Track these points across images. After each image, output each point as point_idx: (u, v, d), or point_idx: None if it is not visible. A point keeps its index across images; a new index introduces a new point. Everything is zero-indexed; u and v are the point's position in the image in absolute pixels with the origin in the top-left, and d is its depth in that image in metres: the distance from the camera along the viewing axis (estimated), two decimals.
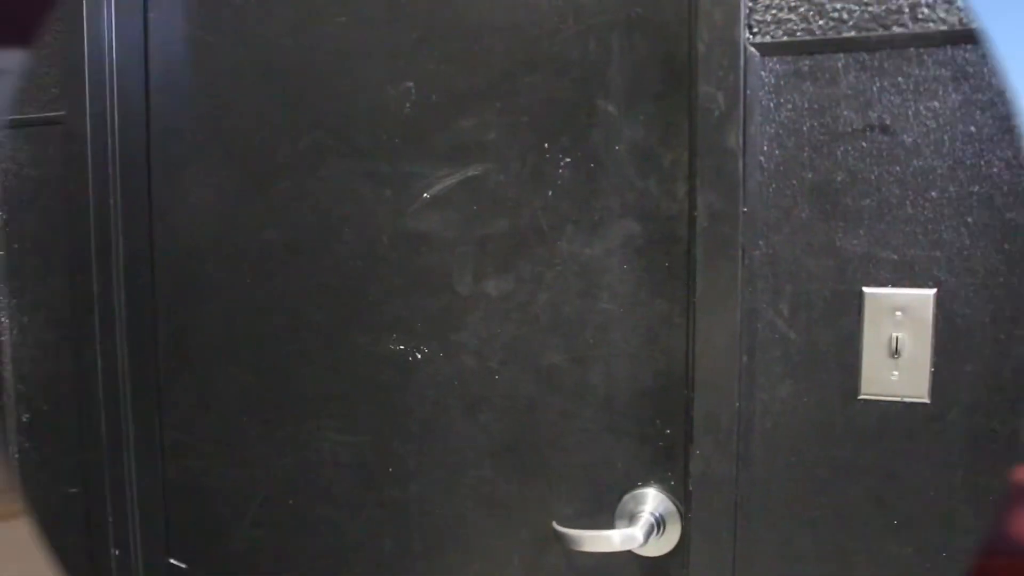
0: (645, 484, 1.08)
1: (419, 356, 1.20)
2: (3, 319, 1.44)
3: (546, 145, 1.11)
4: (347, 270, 1.21)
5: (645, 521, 1.05)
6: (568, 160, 1.10)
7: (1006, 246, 0.87)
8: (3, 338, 1.44)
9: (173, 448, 1.36)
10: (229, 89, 1.28)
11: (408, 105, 1.17)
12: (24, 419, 1.48)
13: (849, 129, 0.90)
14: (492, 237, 1.15)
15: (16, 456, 1.48)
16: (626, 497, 1.08)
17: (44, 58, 1.35)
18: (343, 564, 1.25)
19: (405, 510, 1.20)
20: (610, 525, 1.09)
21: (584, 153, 1.09)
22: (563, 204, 1.11)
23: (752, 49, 0.93)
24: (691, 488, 0.99)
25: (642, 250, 1.06)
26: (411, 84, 1.17)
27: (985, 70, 0.86)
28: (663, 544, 1.06)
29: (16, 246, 1.42)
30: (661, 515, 1.06)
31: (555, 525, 1.07)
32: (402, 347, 1.20)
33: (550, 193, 1.11)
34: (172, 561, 1.37)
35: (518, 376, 1.15)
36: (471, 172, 1.15)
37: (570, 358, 1.12)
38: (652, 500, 1.07)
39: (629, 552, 1.06)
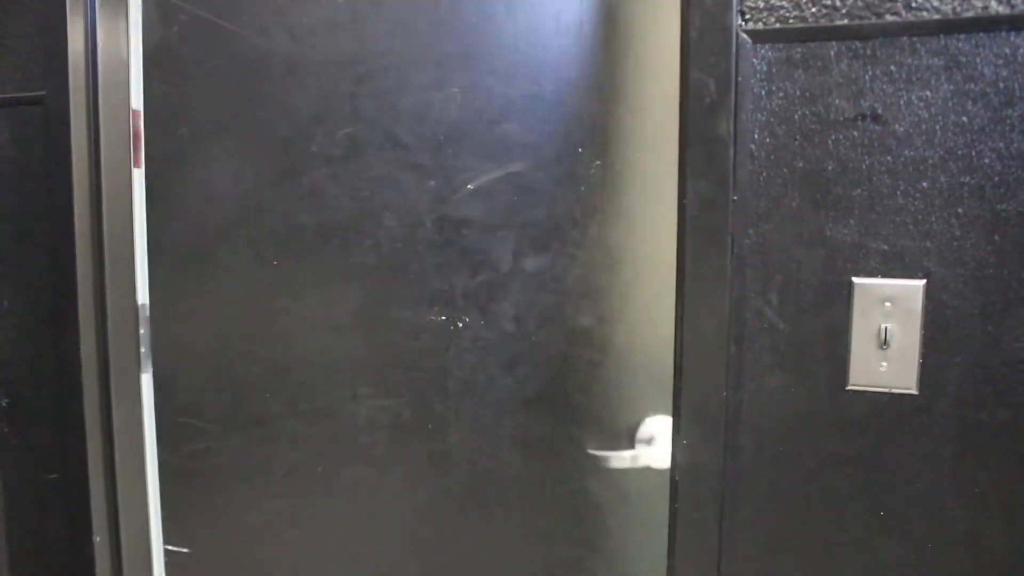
0: (657, 413, 1.11)
1: (460, 325, 1.22)
2: None
3: (580, 150, 1.12)
4: (386, 251, 1.23)
5: (659, 440, 1.11)
6: (599, 163, 1.11)
7: (996, 237, 0.87)
8: None
9: (172, 432, 1.36)
10: (252, 78, 1.27)
11: (454, 108, 1.19)
12: (3, 404, 1.48)
13: (841, 118, 0.90)
14: (530, 223, 1.16)
15: None
16: (643, 425, 1.12)
17: (22, 35, 1.34)
18: (375, 519, 1.27)
19: (445, 460, 1.23)
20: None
21: (611, 157, 1.10)
22: (593, 197, 1.12)
23: (744, 36, 0.93)
24: (676, 478, 1.00)
25: (662, 233, 1.08)
26: (457, 90, 1.19)
27: (978, 60, 0.86)
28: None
29: None
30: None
31: (589, 450, 1.15)
32: (443, 318, 1.23)
33: (583, 188, 1.13)
34: (169, 547, 1.38)
35: (552, 336, 1.19)
36: (513, 168, 1.16)
37: (597, 319, 1.14)
38: (664, 424, 1.11)
39: (648, 467, 1.13)
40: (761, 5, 0.93)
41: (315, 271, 1.27)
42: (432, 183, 1.20)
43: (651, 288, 1.12)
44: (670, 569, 1.02)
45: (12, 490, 1.41)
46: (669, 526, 1.04)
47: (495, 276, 1.20)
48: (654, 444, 1.15)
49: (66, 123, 1.32)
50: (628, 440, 1.16)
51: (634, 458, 1.14)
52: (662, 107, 1.07)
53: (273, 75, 1.27)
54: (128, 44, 1.36)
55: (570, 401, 1.18)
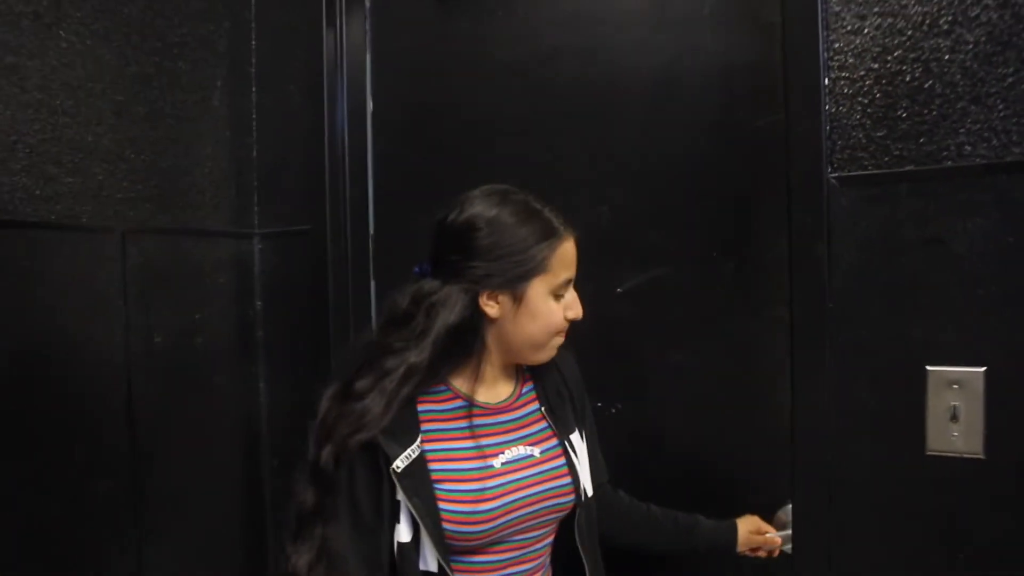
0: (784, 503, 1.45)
1: (613, 411, 1.61)
2: (261, 385, 1.97)
3: (714, 253, 1.50)
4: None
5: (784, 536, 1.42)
6: (731, 264, 1.49)
7: None
8: (261, 400, 1.97)
9: None
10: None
11: (604, 222, 1.60)
12: (274, 464, 1.99)
13: (911, 241, 1.23)
14: (672, 321, 1.54)
15: (269, 493, 1.99)
16: (779, 511, 1.46)
17: (295, 186, 1.87)
18: None
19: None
20: None
21: (743, 259, 1.48)
22: (727, 296, 1.49)
23: (833, 181, 1.27)
24: (793, 522, 1.32)
25: (784, 330, 1.42)
26: (605, 208, 1.60)
27: (1017, 193, 1.17)
28: None
29: (264, 332, 1.94)
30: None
31: None
32: (600, 404, 1.61)
33: (718, 288, 1.50)
34: None
35: (691, 424, 1.55)
36: (656, 272, 1.56)
37: (732, 410, 1.51)
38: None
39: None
40: (846, 156, 1.27)
41: None
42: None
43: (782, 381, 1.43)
44: None
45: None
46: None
47: (643, 367, 1.56)
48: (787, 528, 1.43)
49: (323, 249, 1.83)
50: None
51: (787, 539, 1.42)
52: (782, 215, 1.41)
53: None
54: (368, 184, 1.87)
55: (710, 487, 1.52)
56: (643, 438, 1.60)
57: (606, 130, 1.62)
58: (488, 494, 1.28)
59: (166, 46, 1.72)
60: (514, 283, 1.27)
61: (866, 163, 1.26)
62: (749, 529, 1.47)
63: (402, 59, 1.84)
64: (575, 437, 1.39)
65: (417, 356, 1.28)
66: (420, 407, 1.32)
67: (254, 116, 1.90)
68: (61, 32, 1.54)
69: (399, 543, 1.27)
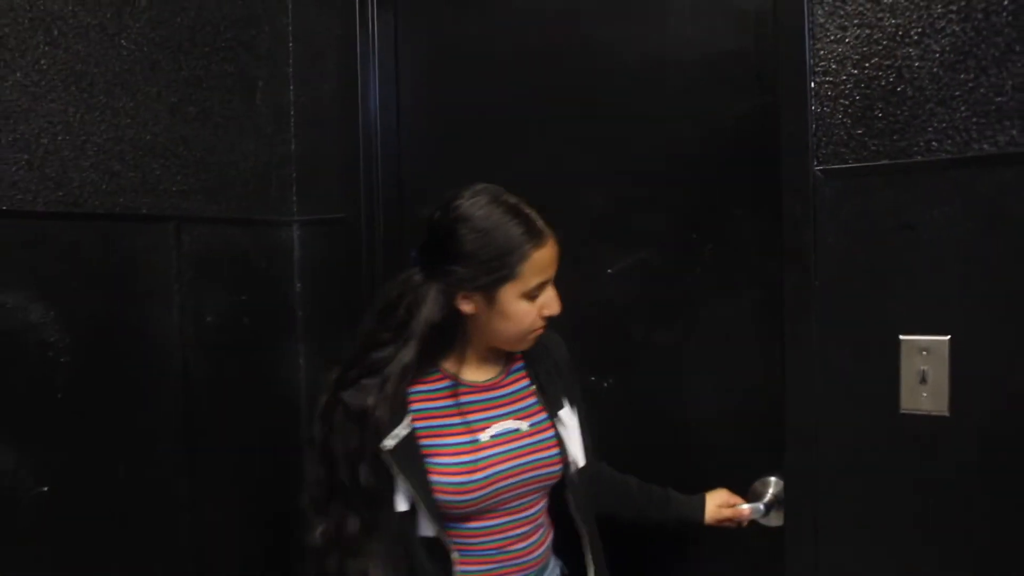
0: (768, 474, 1.62)
1: (605, 385, 1.79)
2: (301, 361, 2.15)
3: (694, 236, 1.68)
4: (552, 328, 1.81)
5: (767, 499, 1.59)
6: (710, 246, 1.67)
7: (1000, 307, 1.34)
8: (301, 374, 2.15)
9: None
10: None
11: (597, 208, 1.78)
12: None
13: (886, 227, 1.40)
14: (657, 302, 1.73)
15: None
16: (755, 483, 1.63)
17: (329, 176, 2.05)
18: None
19: None
20: None
21: (722, 241, 1.66)
22: (707, 277, 1.67)
23: (818, 173, 1.45)
24: (788, 475, 1.51)
25: (763, 309, 1.61)
26: (598, 193, 1.78)
27: (977, 184, 1.34)
28: (781, 518, 1.59)
29: (303, 312, 2.12)
30: (779, 497, 1.59)
31: None
32: (593, 378, 1.80)
33: (698, 270, 1.68)
34: None
35: (676, 400, 1.72)
36: (642, 255, 1.74)
37: (714, 385, 1.68)
38: (773, 485, 1.61)
39: (756, 522, 1.61)
40: (830, 151, 1.44)
41: None
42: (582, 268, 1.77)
43: (757, 357, 1.63)
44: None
45: None
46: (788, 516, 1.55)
47: (631, 345, 1.74)
48: (762, 500, 1.59)
49: (358, 235, 2.01)
50: (741, 494, 1.62)
51: (755, 511, 1.59)
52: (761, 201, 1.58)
53: None
54: (399, 174, 2.04)
55: (690, 455, 1.69)
56: (633, 411, 1.79)
57: (598, 120, 1.80)
58: (475, 466, 1.40)
59: (214, 50, 1.90)
60: (487, 288, 1.39)
61: (847, 157, 1.43)
62: (717, 503, 1.61)
63: (426, 57, 2.02)
64: (565, 412, 1.51)
65: (408, 355, 1.41)
66: (411, 388, 1.45)
67: (292, 113, 2.08)
68: (123, 41, 1.72)
69: (398, 512, 1.41)
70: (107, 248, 1.69)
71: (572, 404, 1.54)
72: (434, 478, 1.40)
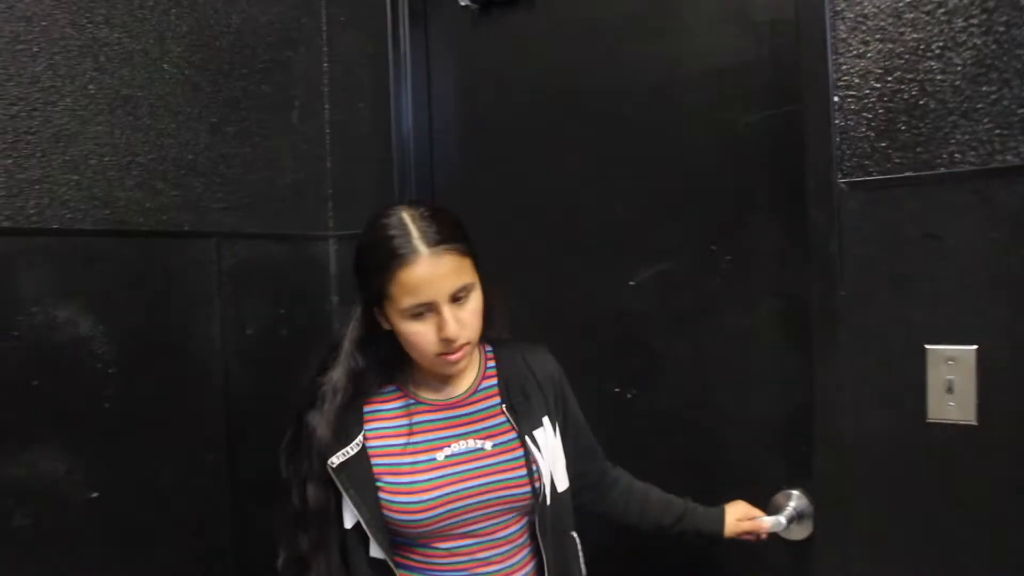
0: (789, 486, 1.64)
1: (628, 396, 1.82)
2: None
3: (713, 247, 1.71)
4: (569, 338, 1.85)
5: (788, 513, 1.61)
6: (729, 258, 1.70)
7: None
8: None
9: None
10: (493, 214, 1.98)
11: (618, 219, 1.82)
12: None
13: (911, 237, 1.42)
14: (677, 312, 1.76)
15: None
16: (776, 495, 1.64)
17: (364, 191, 2.11)
18: None
19: None
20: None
21: (740, 252, 1.69)
22: (726, 287, 1.70)
23: (843, 185, 1.48)
24: (817, 484, 1.54)
25: (782, 319, 1.64)
26: (620, 206, 1.82)
27: (1000, 195, 1.36)
28: (802, 531, 1.61)
29: (339, 324, 2.17)
30: (800, 510, 1.61)
31: None
32: (617, 389, 1.83)
33: (718, 280, 1.71)
34: None
35: (699, 410, 1.74)
36: (661, 267, 1.78)
37: (735, 396, 1.70)
38: (794, 498, 1.62)
39: (776, 535, 1.62)
40: (854, 164, 1.47)
41: None
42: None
43: (780, 366, 1.65)
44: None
45: None
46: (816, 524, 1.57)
47: (653, 356, 1.77)
48: (783, 513, 1.59)
49: None
50: (761, 507, 1.62)
51: (776, 524, 1.57)
52: (779, 211, 1.62)
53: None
54: (431, 190, 2.10)
55: (712, 467, 1.71)
56: (655, 421, 1.81)
57: (621, 134, 1.84)
58: (425, 485, 1.37)
59: (251, 72, 1.96)
60: (376, 305, 1.41)
61: (871, 170, 1.46)
62: (736, 516, 1.58)
63: (456, 76, 2.08)
64: (541, 432, 1.45)
65: (336, 374, 1.42)
66: (367, 407, 1.45)
67: (328, 131, 2.14)
68: (165, 65, 1.79)
69: (344, 530, 1.41)
70: (151, 263, 1.76)
71: (555, 423, 1.50)
72: (383, 496, 1.38)
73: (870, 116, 1.46)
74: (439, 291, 1.35)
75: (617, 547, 1.73)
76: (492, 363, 1.54)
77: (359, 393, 1.45)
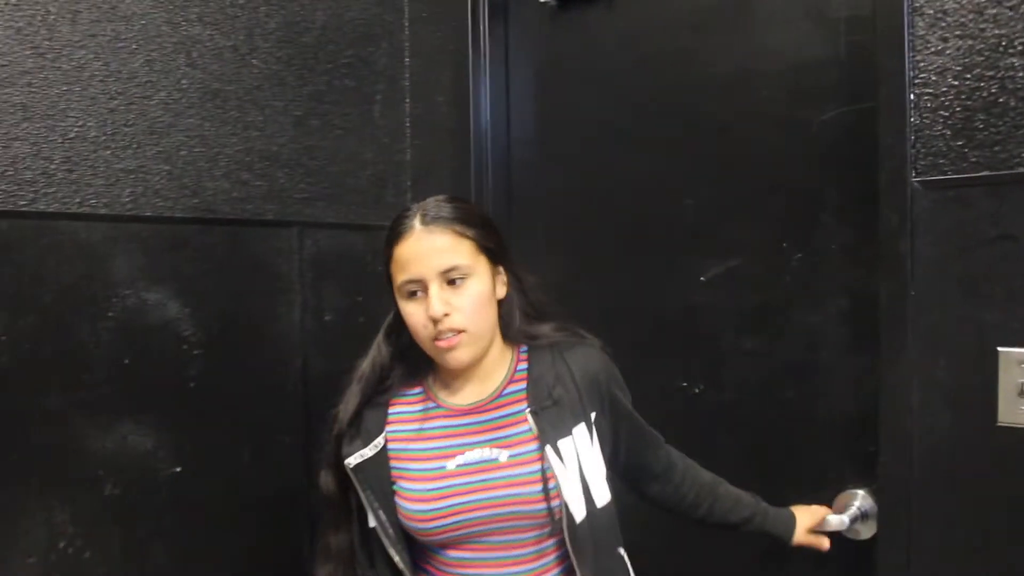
0: (855, 486, 1.63)
1: (696, 391, 1.84)
2: None
3: (784, 244, 1.71)
4: (638, 332, 1.87)
5: (853, 512, 1.60)
6: (799, 255, 1.69)
7: None
8: None
9: None
10: (567, 208, 2.01)
11: (689, 215, 1.83)
12: None
13: (984, 237, 1.40)
14: (746, 309, 1.76)
15: None
16: (840, 494, 1.64)
17: (441, 184, 2.16)
18: None
19: None
20: None
21: (810, 250, 1.68)
22: (796, 285, 1.70)
23: (916, 184, 1.46)
24: (881, 485, 1.52)
25: (850, 318, 1.63)
26: (691, 202, 1.83)
27: None
28: (866, 530, 1.60)
29: None
30: (865, 510, 1.60)
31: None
32: (685, 383, 1.85)
33: (787, 278, 1.71)
34: None
35: (765, 407, 1.75)
36: (732, 263, 1.78)
37: (801, 393, 1.70)
38: (859, 498, 1.62)
39: (841, 534, 1.62)
40: (928, 163, 1.45)
41: None
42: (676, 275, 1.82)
43: (846, 366, 1.64)
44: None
45: None
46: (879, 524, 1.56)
47: (721, 352, 1.78)
48: (846, 512, 1.58)
49: None
50: (827, 505, 1.62)
51: (840, 523, 1.57)
52: (850, 209, 1.59)
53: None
54: (509, 184, 2.14)
55: (778, 464, 1.71)
56: (721, 417, 1.81)
57: (693, 130, 1.84)
58: (435, 494, 1.34)
59: (335, 67, 2.03)
60: (390, 288, 1.43)
61: (946, 169, 1.44)
62: (807, 526, 1.57)
63: (534, 70, 2.11)
64: (567, 443, 1.36)
65: (365, 361, 1.45)
66: (392, 408, 1.44)
67: (408, 124, 2.20)
68: (254, 60, 1.87)
69: (369, 528, 1.40)
70: (236, 251, 1.84)
71: (591, 430, 1.40)
72: (399, 502, 1.37)
73: (947, 114, 1.44)
74: (427, 267, 1.34)
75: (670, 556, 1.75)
76: (524, 365, 1.46)
77: (382, 383, 1.46)
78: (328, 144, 2.02)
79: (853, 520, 1.60)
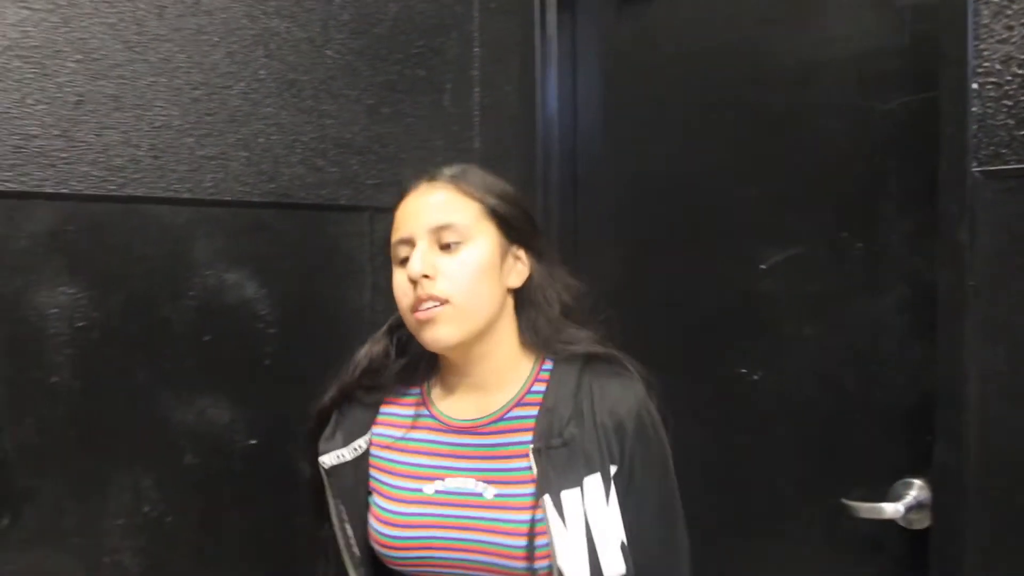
0: (911, 475, 1.63)
1: (755, 377, 1.86)
2: None
3: (844, 234, 1.72)
4: (699, 319, 1.90)
5: (908, 501, 1.60)
6: (860, 244, 1.70)
7: None
8: None
9: None
10: (631, 197, 2.05)
11: (750, 204, 1.85)
12: None
13: None
14: (806, 296, 1.78)
15: None
16: (896, 482, 1.64)
17: (508, 172, 2.21)
18: None
19: (744, 486, 1.85)
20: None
21: (870, 239, 1.69)
22: (856, 274, 1.71)
23: (977, 175, 1.46)
24: (936, 475, 1.53)
25: (910, 307, 1.63)
26: (753, 191, 1.85)
27: None
28: (921, 520, 1.60)
29: None
30: (921, 500, 1.60)
31: (843, 500, 1.65)
32: (744, 370, 1.87)
33: (847, 267, 1.72)
34: None
35: (823, 394, 1.76)
36: (792, 252, 1.80)
37: (859, 382, 1.71)
38: (915, 487, 1.62)
39: (896, 523, 1.62)
40: (990, 153, 1.45)
41: None
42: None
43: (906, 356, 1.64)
44: None
45: None
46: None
47: (781, 339, 1.79)
48: (902, 501, 1.57)
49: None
50: (882, 494, 1.62)
51: (881, 511, 1.57)
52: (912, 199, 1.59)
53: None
54: (575, 173, 2.18)
55: (835, 453, 1.72)
56: (779, 404, 1.82)
57: (755, 119, 1.85)
58: (406, 520, 1.17)
59: (407, 57, 2.10)
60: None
61: (1008, 159, 1.43)
62: None
63: (600, 61, 2.15)
64: (574, 495, 1.09)
65: (364, 347, 1.29)
66: (384, 408, 1.27)
67: (476, 113, 2.26)
68: (328, 51, 1.95)
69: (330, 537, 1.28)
70: (310, 234, 1.93)
71: (608, 485, 1.12)
72: (370, 519, 1.21)
73: (1010, 103, 1.43)
74: (418, 222, 1.18)
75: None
76: (541, 387, 1.20)
77: (373, 378, 1.28)
78: (399, 132, 2.09)
79: (908, 509, 1.60)
